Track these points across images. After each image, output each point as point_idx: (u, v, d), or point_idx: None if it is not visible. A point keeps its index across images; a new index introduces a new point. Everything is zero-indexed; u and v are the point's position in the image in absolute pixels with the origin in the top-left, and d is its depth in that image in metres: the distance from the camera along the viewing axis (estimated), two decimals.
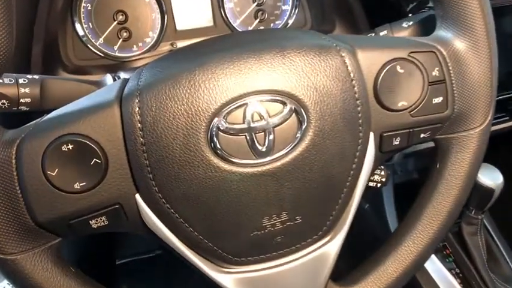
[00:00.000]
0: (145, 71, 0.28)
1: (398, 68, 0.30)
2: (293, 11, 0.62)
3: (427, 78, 0.31)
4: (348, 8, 0.59)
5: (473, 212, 0.67)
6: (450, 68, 0.31)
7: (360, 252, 0.43)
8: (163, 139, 0.26)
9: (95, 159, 0.26)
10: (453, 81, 0.31)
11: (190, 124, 0.26)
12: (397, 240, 0.36)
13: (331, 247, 0.32)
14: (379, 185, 0.40)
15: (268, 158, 0.27)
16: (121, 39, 0.56)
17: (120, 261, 0.99)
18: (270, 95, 0.27)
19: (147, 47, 0.57)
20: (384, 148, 0.32)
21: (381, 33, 0.38)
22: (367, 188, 0.39)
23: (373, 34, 0.39)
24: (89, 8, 0.54)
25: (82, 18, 0.54)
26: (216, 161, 0.27)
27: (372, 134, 0.31)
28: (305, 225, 0.30)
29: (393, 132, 0.31)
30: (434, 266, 0.69)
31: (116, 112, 0.27)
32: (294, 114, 0.27)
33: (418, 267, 0.36)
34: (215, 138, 0.26)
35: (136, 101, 0.26)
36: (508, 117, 0.68)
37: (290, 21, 0.62)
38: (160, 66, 0.29)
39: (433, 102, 0.31)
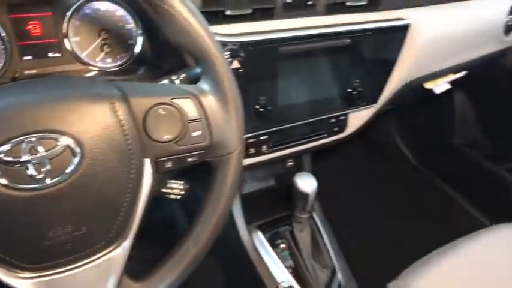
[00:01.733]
0: None
1: (161, 110, 0.40)
2: (136, 47, 0.69)
3: (186, 118, 0.41)
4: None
5: (299, 213, 0.82)
6: (206, 110, 0.42)
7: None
8: None
9: None
10: (209, 120, 0.42)
11: None
12: (182, 241, 0.46)
13: (117, 253, 0.41)
14: (179, 196, 0.50)
15: (45, 184, 0.35)
16: None
17: None
18: (46, 134, 0.35)
19: None
20: (161, 170, 0.42)
21: (163, 82, 0.48)
22: (170, 199, 0.49)
23: (167, 80, 0.49)
24: None
25: None
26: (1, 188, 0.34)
27: (148, 160, 0.40)
28: (90, 235, 0.39)
29: (164, 158, 0.41)
30: (271, 260, 0.82)
31: None
32: (68, 148, 0.36)
33: (197, 262, 0.46)
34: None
35: None
36: (326, 134, 0.84)
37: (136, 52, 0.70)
38: None
39: (193, 135, 0.42)
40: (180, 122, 0.41)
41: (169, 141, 0.41)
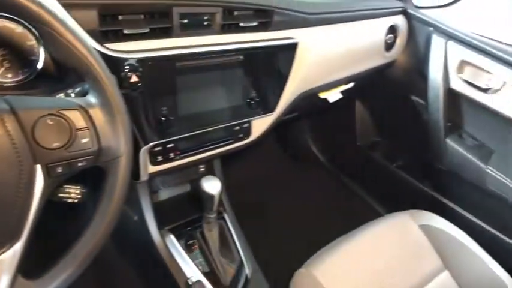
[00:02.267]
0: None
1: (48, 120, 0.45)
2: (39, 63, 0.70)
3: (74, 127, 0.47)
4: None
5: (207, 214, 0.89)
6: (94, 121, 0.48)
7: None
8: None
9: None
10: (96, 129, 0.48)
11: None
12: (75, 242, 0.50)
13: (9, 254, 0.44)
14: (76, 200, 0.54)
15: None
16: None
17: None
18: None
19: None
20: (52, 175, 0.46)
21: (59, 95, 0.53)
22: (67, 204, 0.53)
23: (63, 94, 0.54)
24: None
25: None
26: None
27: (38, 166, 0.45)
28: None
29: (55, 164, 0.46)
30: (182, 259, 0.88)
31: None
32: None
33: (88, 261, 0.51)
34: None
35: None
36: (232, 140, 0.93)
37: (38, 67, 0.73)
38: None
39: (82, 142, 0.47)
40: (68, 131, 0.46)
41: (59, 148, 0.46)
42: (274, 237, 1.41)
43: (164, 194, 1.00)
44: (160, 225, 0.92)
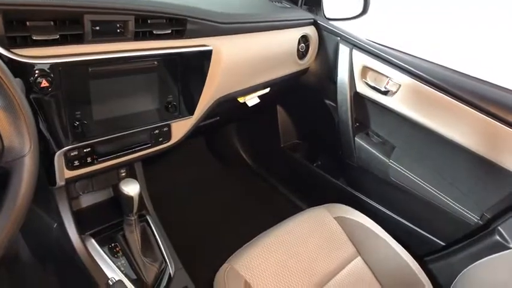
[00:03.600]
0: None
1: None
2: None
3: None
4: None
5: (128, 216, 0.91)
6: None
7: None
8: None
9: None
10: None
11: None
12: None
13: None
14: None
15: None
16: None
17: None
18: None
19: None
20: None
21: None
22: None
23: None
24: None
25: None
26: None
27: None
28: None
29: None
30: (103, 261, 0.89)
31: None
32: None
33: None
34: None
35: None
36: (150, 144, 0.95)
37: None
38: None
39: None
40: None
41: None
42: (198, 237, 1.45)
43: (85, 200, 1.00)
44: (81, 231, 0.92)
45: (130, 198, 0.86)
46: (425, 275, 1.18)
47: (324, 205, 1.29)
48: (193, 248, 1.03)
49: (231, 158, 1.85)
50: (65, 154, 0.79)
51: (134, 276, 0.88)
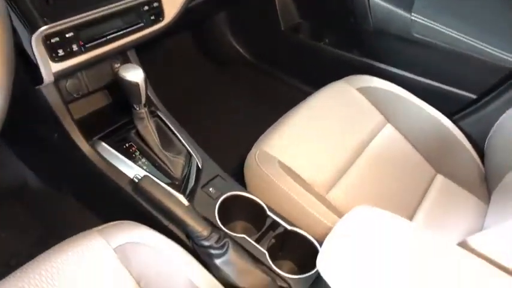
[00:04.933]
0: None
1: None
2: None
3: None
4: None
5: (138, 109, 0.79)
6: None
7: None
8: None
9: None
10: None
11: None
12: None
13: None
14: None
15: None
16: None
17: None
18: None
19: None
20: None
21: None
22: None
23: None
24: None
25: None
26: None
27: None
28: None
29: None
30: (121, 162, 0.79)
31: None
32: None
33: None
34: None
35: None
36: (143, 24, 0.80)
37: None
38: None
39: None
40: None
41: None
42: (213, 128, 1.36)
43: (82, 106, 0.86)
44: (87, 137, 0.80)
45: (136, 84, 0.73)
46: (459, 131, 1.11)
47: (342, 79, 1.18)
48: (207, 143, 0.93)
49: (224, 54, 1.66)
50: (45, 41, 0.64)
51: (159, 172, 0.79)
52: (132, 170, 0.77)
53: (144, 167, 0.79)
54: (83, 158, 0.79)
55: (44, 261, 0.56)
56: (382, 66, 1.30)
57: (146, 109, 0.80)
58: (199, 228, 0.67)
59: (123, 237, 0.62)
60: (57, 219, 1.03)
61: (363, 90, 1.14)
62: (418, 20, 1.13)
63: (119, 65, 0.86)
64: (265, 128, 0.99)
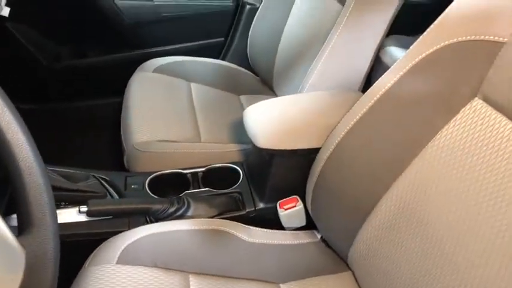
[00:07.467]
0: None
1: None
2: None
3: None
4: None
5: None
6: None
7: None
8: None
9: None
10: None
11: None
12: None
13: None
14: None
15: None
16: None
17: None
18: None
19: None
20: None
21: None
22: None
23: None
24: None
25: None
26: None
27: None
28: None
29: None
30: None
31: None
32: None
33: None
34: None
35: None
36: None
37: None
38: None
39: None
40: None
41: None
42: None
43: None
44: None
45: None
46: None
47: (133, 74, 1.36)
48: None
49: None
50: None
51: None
52: (70, 215, 0.79)
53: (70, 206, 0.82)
54: None
55: None
56: (153, 50, 1.54)
57: None
58: (159, 204, 0.81)
59: (114, 251, 0.70)
60: None
61: (158, 70, 1.37)
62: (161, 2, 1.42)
63: None
64: None
